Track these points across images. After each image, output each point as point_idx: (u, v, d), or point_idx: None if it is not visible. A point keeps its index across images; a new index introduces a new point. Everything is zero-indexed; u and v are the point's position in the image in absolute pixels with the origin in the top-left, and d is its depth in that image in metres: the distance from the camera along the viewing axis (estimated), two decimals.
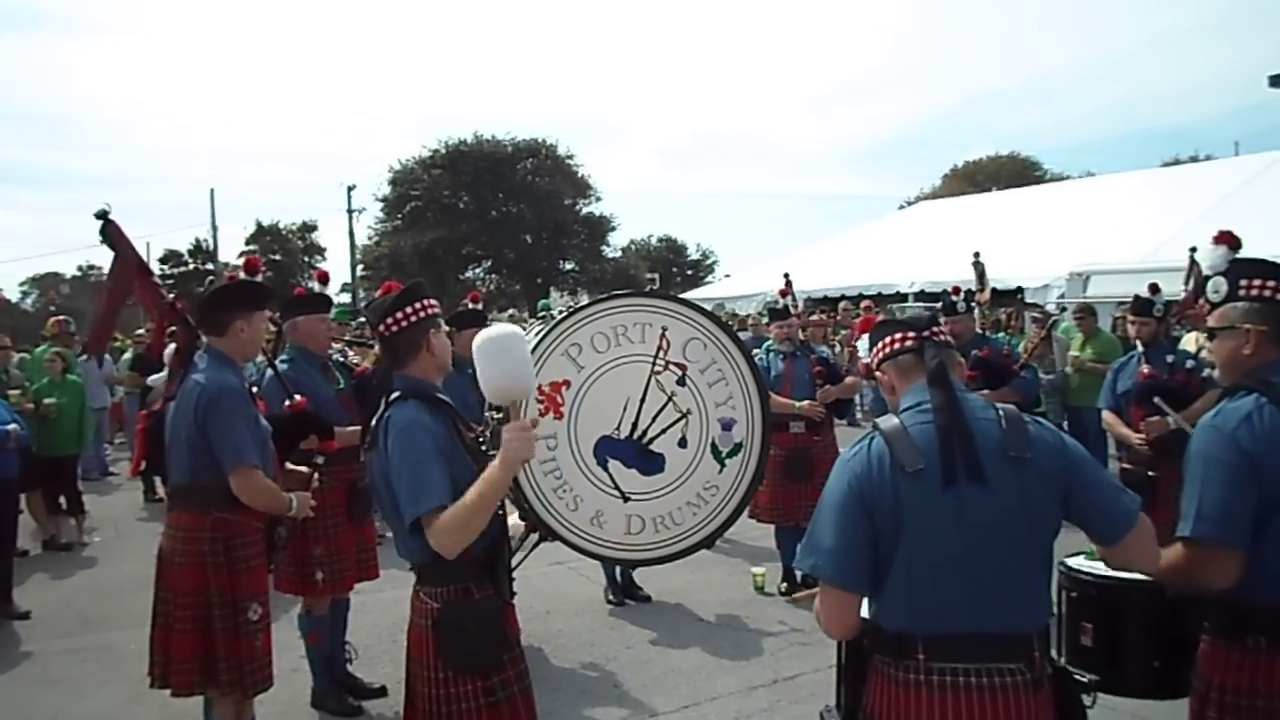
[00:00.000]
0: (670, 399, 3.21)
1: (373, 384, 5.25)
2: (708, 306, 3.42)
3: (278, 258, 46.40)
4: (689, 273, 54.12)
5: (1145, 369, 5.95)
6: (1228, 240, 2.77)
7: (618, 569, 7.04)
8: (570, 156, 45.73)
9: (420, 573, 2.84)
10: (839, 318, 16.08)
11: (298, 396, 4.37)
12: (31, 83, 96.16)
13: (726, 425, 3.28)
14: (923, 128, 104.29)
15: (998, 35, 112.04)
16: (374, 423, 2.93)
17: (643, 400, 3.16)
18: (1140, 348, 6.15)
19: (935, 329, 2.51)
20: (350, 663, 5.37)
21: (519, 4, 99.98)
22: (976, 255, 7.59)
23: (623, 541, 3.15)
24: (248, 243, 49.19)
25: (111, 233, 3.96)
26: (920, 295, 19.50)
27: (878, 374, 2.60)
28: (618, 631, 6.41)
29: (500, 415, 3.11)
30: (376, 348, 5.73)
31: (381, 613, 6.46)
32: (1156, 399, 5.02)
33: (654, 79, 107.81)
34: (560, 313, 3.26)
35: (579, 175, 45.71)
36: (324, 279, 5.29)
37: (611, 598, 6.99)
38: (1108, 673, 2.92)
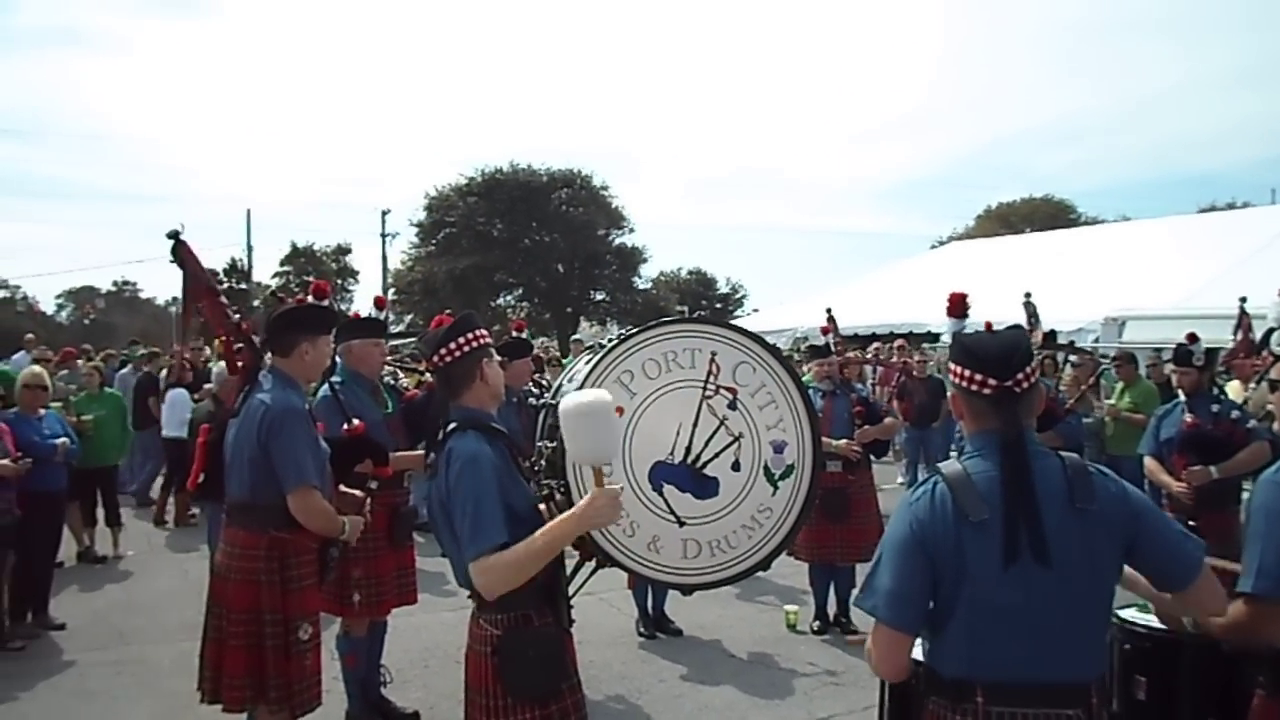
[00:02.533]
0: (722, 423, 3.25)
1: (424, 410, 5.37)
2: None
3: (311, 279, 46.84)
4: (718, 306, 54.05)
5: (1189, 418, 5.94)
6: None
7: (649, 602, 7.06)
8: (605, 187, 46.08)
9: (480, 601, 2.88)
10: (870, 356, 16.02)
11: (356, 420, 4.44)
12: (67, 99, 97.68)
13: (778, 448, 3.32)
14: (953, 168, 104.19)
15: (1027, 77, 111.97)
16: (435, 452, 2.98)
17: (695, 425, 3.20)
18: (1182, 396, 6.14)
19: (1020, 376, 2.36)
20: (384, 686, 5.40)
21: (555, 36, 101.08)
22: (1027, 295, 7.58)
23: (680, 566, 3.17)
24: (282, 264, 49.82)
25: (181, 252, 4.05)
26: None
27: (950, 393, 2.55)
28: (649, 664, 6.40)
29: (555, 445, 3.15)
30: (423, 371, 5.83)
31: (413, 637, 6.51)
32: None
33: (682, 113, 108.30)
34: (610, 341, 3.31)
35: (613, 206, 45.99)
36: (380, 304, 5.39)
37: (643, 630, 6.99)
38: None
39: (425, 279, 42.89)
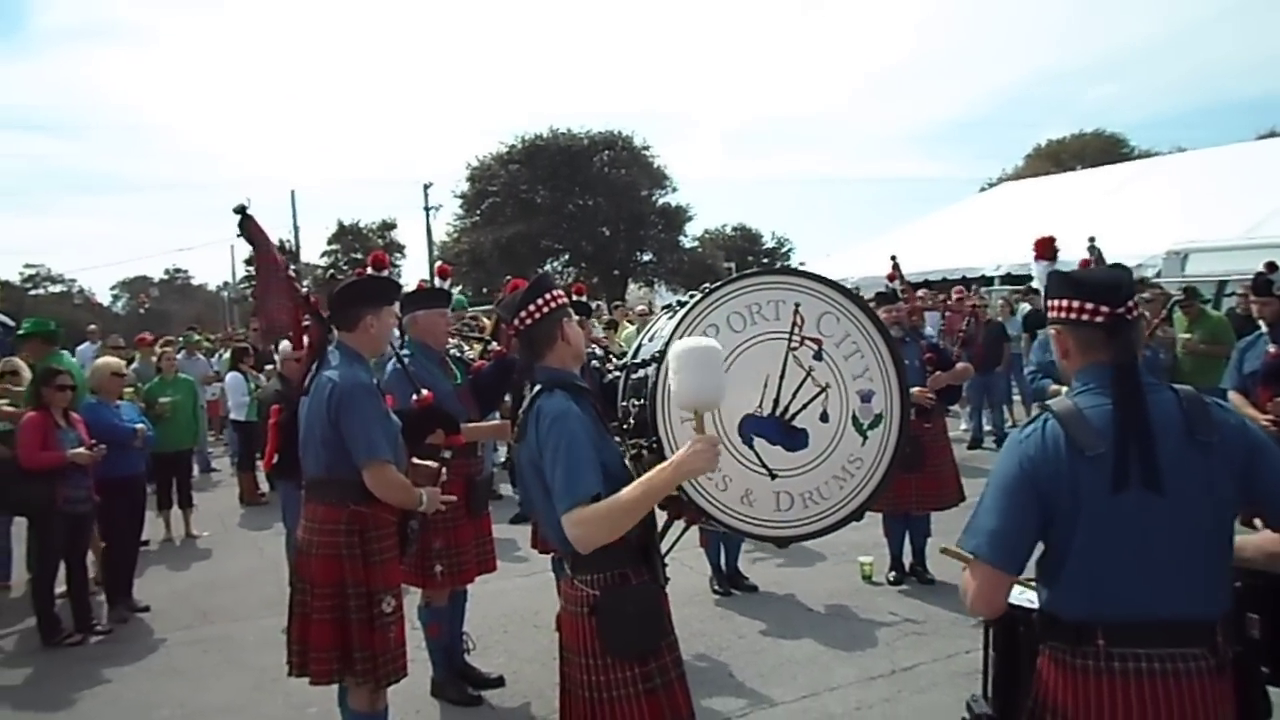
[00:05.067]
0: (809, 374, 3.18)
1: (492, 380, 5.35)
2: None
3: (359, 256, 47.25)
4: (764, 261, 53.69)
5: (1272, 348, 5.75)
6: None
7: (723, 559, 7.03)
8: (646, 147, 45.78)
9: (575, 561, 2.84)
10: (939, 301, 15.77)
11: (424, 391, 4.42)
12: (103, 94, 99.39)
13: (865, 397, 3.24)
14: (996, 107, 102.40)
15: (1064, 7, 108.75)
16: (521, 414, 2.95)
17: (782, 377, 3.13)
18: (1265, 327, 5.94)
19: (1131, 304, 2.34)
20: (468, 653, 5.44)
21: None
22: (1092, 240, 7.33)
23: (773, 519, 3.12)
24: (329, 242, 50.36)
25: (250, 228, 4.03)
26: (1006, 278, 19.14)
27: (1050, 330, 2.48)
28: (727, 621, 6.38)
29: (642, 403, 3.10)
30: (488, 340, 5.80)
31: (490, 604, 6.54)
32: None
33: (715, 66, 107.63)
34: (692, 296, 3.25)
35: (655, 166, 45.69)
36: (444, 274, 5.35)
37: (718, 588, 6.96)
38: (1276, 665, 2.80)
39: (471, 249, 43.03)
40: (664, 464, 2.70)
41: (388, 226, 51.76)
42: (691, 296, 3.26)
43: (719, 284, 3.21)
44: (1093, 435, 2.20)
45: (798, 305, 3.19)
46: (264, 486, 11.25)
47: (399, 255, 50.74)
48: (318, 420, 3.81)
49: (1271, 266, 6.03)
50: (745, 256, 52.80)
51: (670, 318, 3.32)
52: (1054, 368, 6.44)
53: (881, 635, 5.97)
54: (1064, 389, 6.73)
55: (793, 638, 6.00)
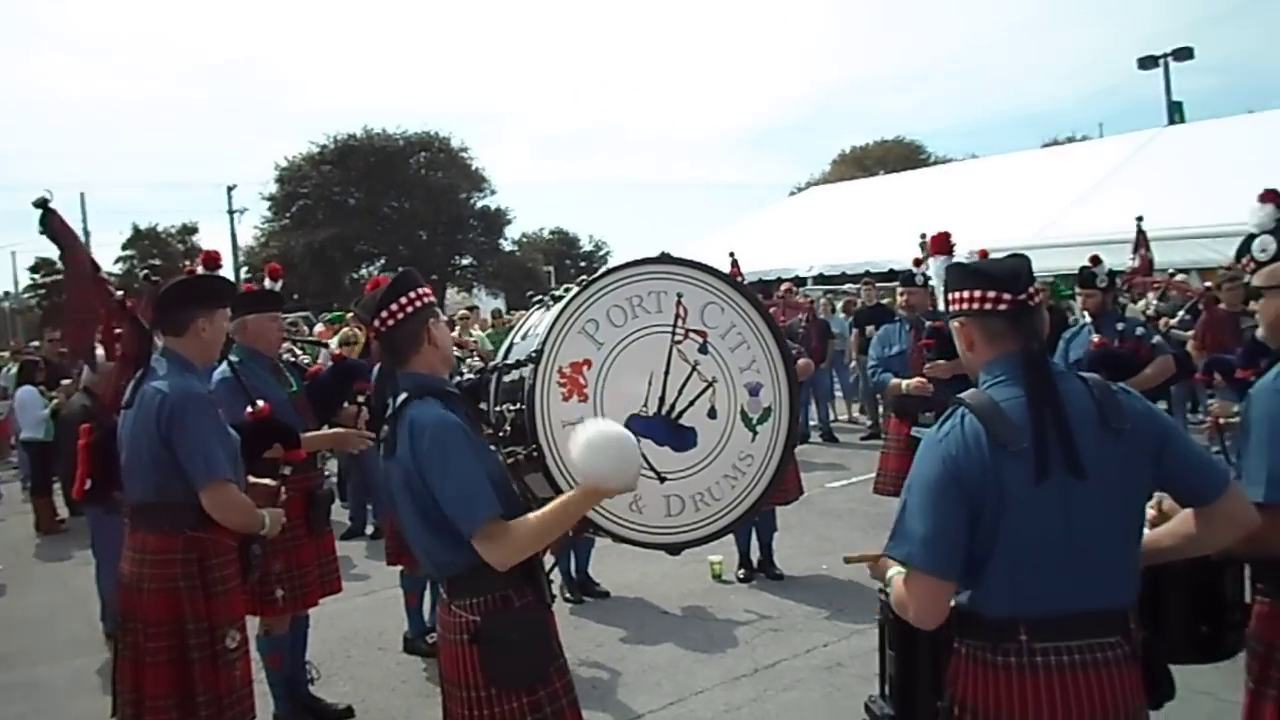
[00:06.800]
0: (694, 368, 3.05)
1: (330, 385, 5.00)
2: None
3: (157, 262, 44.40)
4: (583, 264, 53.90)
5: (1096, 338, 6.06)
6: (1273, 199, 2.73)
7: (572, 565, 6.85)
8: (464, 149, 45.00)
9: (452, 585, 2.61)
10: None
11: (260, 402, 4.04)
12: None
13: (754, 390, 3.13)
14: (799, 115, 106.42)
15: (862, 23, 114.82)
16: (387, 425, 2.69)
17: (667, 373, 2.99)
18: (1088, 318, 6.28)
19: (1033, 290, 2.31)
20: (312, 683, 5.05)
21: None
22: (924, 236, 7.41)
23: (664, 525, 2.97)
24: (124, 247, 47.15)
25: (54, 224, 3.54)
26: (819, 279, 19.86)
27: (954, 324, 2.43)
28: (583, 630, 6.20)
29: (519, 408, 2.89)
30: (325, 344, 5.42)
31: (329, 627, 6.12)
32: None
33: (529, 67, 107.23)
34: (568, 289, 3.06)
35: (473, 168, 44.96)
36: (275, 275, 4.92)
37: (569, 595, 6.78)
38: (1154, 640, 2.87)
39: (281, 254, 41.10)
40: (581, 487, 2.55)
41: (189, 230, 48.85)
42: (568, 290, 3.07)
43: (597, 275, 3.04)
44: (1013, 430, 2.15)
45: (680, 296, 3.05)
46: (63, 513, 10.27)
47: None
48: (146, 438, 3.39)
49: (1095, 260, 6.36)
50: (564, 260, 52.85)
51: (544, 311, 3.12)
52: (894, 362, 6.62)
53: (740, 634, 5.93)
54: (904, 383, 6.86)
55: (652, 643, 5.88)
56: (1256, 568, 2.66)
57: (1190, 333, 8.70)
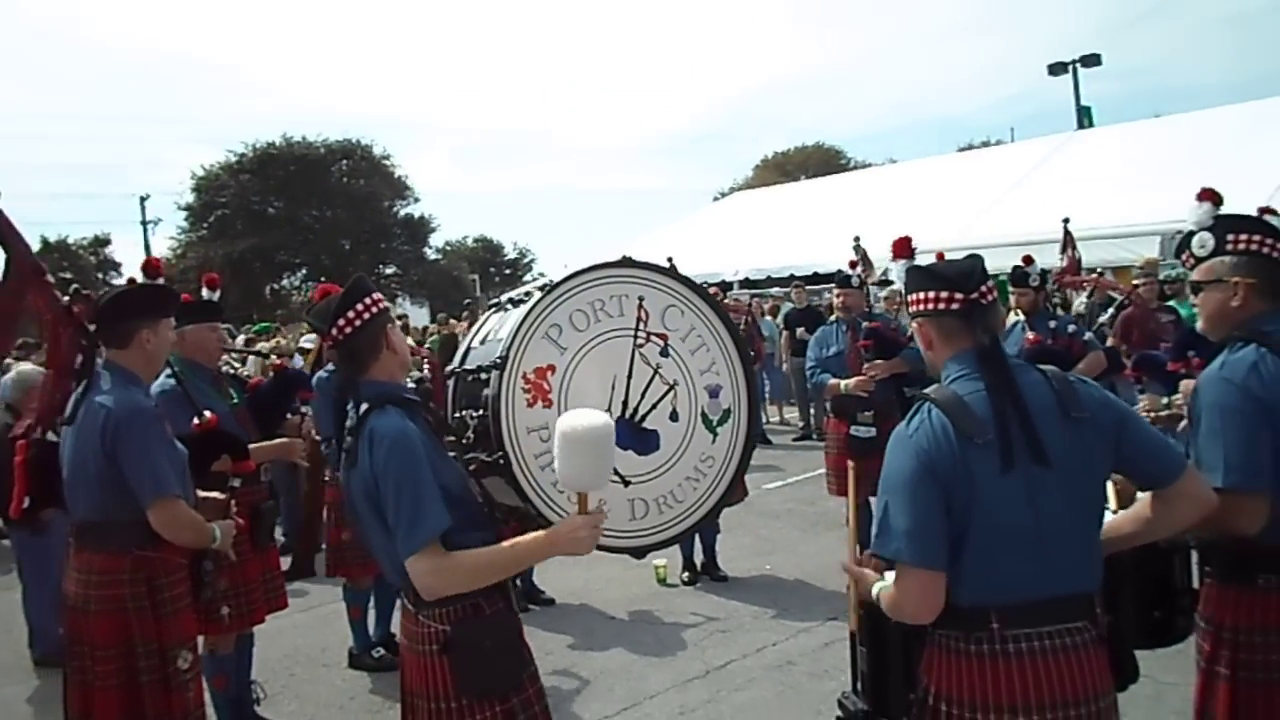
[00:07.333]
0: (656, 371, 3.07)
1: (271, 396, 4.90)
2: None
3: (68, 275, 42.96)
4: (507, 272, 53.61)
5: (1030, 335, 6.23)
6: (1210, 197, 2.85)
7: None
8: (386, 157, 44.27)
9: (419, 596, 2.57)
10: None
11: (207, 414, 3.93)
12: None
13: (713, 392, 3.17)
14: (718, 121, 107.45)
15: (772, 30, 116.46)
16: (349, 436, 2.64)
17: (629, 376, 3.01)
18: (1021, 315, 6.45)
19: (985, 288, 2.38)
20: (258, 704, 4.94)
21: None
22: (857, 239, 7.53)
23: (628, 529, 2.98)
24: None
25: None
26: (745, 283, 20.07)
27: (913, 325, 2.51)
28: (532, 638, 5.84)
29: (481, 414, 2.87)
30: (266, 355, 5.30)
31: (270, 644, 5.96)
32: None
33: (448, 75, 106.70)
34: (530, 294, 3.06)
35: (396, 176, 44.33)
36: (213, 284, 4.80)
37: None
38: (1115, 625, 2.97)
39: (201, 265, 40.05)
40: (540, 534, 2.59)
41: (100, 243, 47.27)
42: (529, 295, 3.06)
43: (561, 280, 3.04)
44: (978, 422, 2.22)
45: (641, 299, 3.08)
46: None
47: (115, 273, 46.48)
48: (90, 454, 3.28)
49: (1028, 260, 6.56)
50: (488, 268, 52.46)
51: (501, 315, 3.11)
52: (832, 363, 6.71)
53: (689, 637, 5.95)
54: (843, 383, 6.94)
55: (601, 649, 5.87)
56: (1204, 551, 2.77)
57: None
